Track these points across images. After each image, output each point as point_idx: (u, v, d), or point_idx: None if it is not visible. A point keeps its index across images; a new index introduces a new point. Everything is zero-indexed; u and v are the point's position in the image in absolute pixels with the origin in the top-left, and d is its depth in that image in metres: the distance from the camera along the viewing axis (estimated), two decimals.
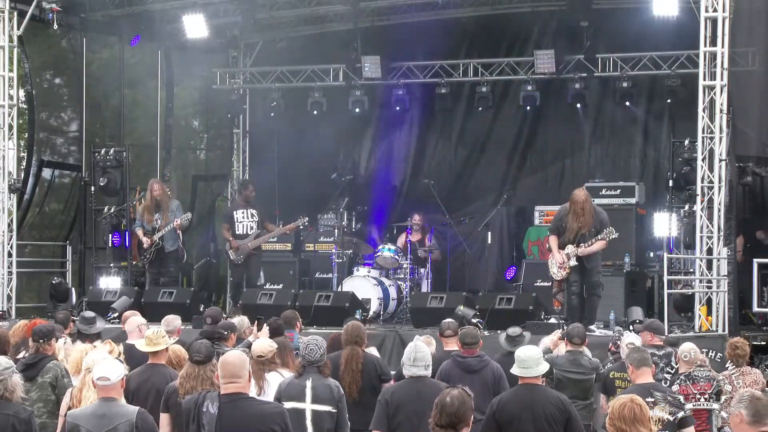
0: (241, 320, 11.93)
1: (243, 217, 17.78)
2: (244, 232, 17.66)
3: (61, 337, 10.24)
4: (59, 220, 19.04)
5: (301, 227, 18.41)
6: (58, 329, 11.04)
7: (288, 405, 8.46)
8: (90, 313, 12.02)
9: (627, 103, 18.69)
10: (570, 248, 14.51)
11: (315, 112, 19.91)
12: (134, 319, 11.13)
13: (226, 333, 10.71)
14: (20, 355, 9.93)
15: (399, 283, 17.80)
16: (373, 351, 10.91)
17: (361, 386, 9.80)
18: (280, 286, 18.06)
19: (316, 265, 19.29)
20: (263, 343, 9.46)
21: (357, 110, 19.74)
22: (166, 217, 17.37)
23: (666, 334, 12.30)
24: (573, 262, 14.52)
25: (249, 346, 9.88)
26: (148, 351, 9.18)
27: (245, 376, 7.19)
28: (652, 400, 8.34)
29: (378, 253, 17.94)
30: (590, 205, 14.53)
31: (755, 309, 14.92)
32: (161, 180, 18.59)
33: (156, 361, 9.17)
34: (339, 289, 17.15)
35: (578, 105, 18.85)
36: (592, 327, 14.44)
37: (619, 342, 11.54)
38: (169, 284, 17.39)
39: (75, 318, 12.38)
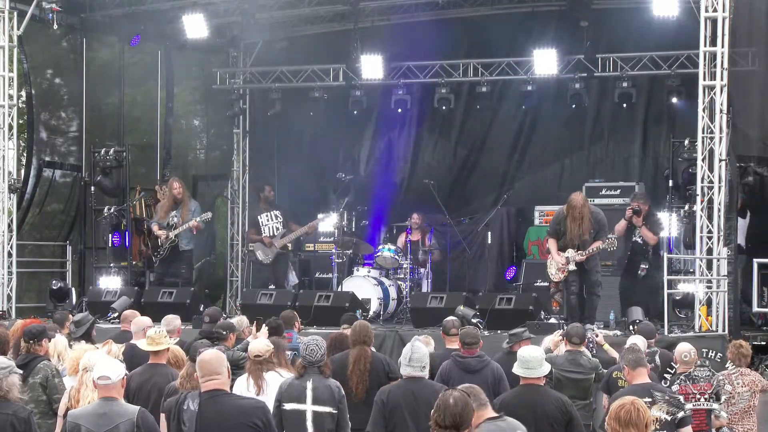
0: (240, 320, 11.94)
1: (267, 220, 18.08)
2: (271, 234, 17.90)
3: (53, 336, 10.19)
4: (59, 220, 19.02)
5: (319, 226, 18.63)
6: (55, 328, 11.03)
7: (288, 406, 8.48)
8: (79, 316, 11.99)
9: (626, 104, 18.66)
10: (571, 252, 14.64)
11: (313, 113, 19.89)
12: (140, 320, 11.11)
13: (224, 333, 10.71)
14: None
15: (399, 283, 17.78)
16: None
17: (369, 386, 9.77)
18: None
19: (316, 265, 19.29)
20: (260, 342, 9.46)
21: (356, 110, 19.71)
22: (184, 216, 17.42)
23: (656, 337, 12.32)
24: (572, 267, 14.65)
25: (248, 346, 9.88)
26: (149, 350, 9.20)
27: (224, 372, 7.25)
28: (651, 399, 8.34)
29: (378, 253, 17.93)
30: (588, 209, 14.70)
31: (755, 309, 14.91)
32: (161, 180, 18.60)
33: (157, 360, 9.19)
34: (339, 289, 17.14)
35: (578, 105, 18.82)
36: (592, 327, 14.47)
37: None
38: (182, 285, 17.33)
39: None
